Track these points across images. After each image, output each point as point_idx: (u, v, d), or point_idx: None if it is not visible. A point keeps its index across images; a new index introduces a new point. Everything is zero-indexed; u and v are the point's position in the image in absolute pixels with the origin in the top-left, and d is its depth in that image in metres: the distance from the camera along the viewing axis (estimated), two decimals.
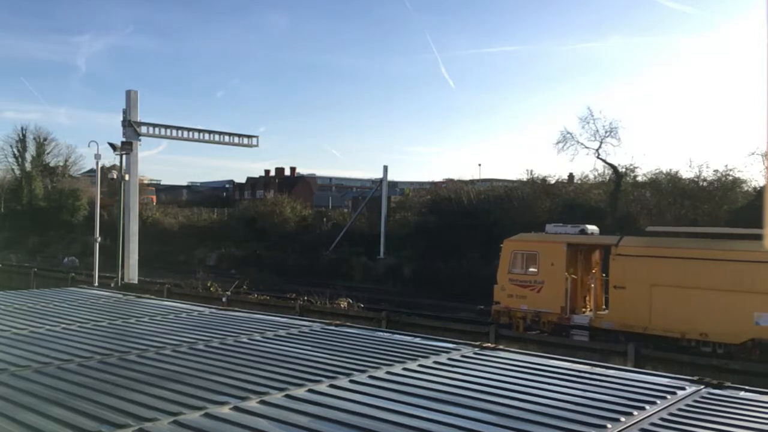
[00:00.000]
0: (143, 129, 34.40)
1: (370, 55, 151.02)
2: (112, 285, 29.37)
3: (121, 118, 34.06)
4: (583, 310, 21.06)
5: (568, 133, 39.91)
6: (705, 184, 34.82)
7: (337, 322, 7.32)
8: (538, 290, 20.85)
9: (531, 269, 21.21)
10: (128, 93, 34.17)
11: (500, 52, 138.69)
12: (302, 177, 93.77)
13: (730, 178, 34.18)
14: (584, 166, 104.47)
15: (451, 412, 3.81)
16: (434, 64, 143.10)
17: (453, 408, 3.91)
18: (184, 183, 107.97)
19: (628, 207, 35.45)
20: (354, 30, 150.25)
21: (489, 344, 6.20)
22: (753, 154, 33.24)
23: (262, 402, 3.96)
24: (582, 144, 39.33)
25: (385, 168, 45.50)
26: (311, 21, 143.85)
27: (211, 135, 37.87)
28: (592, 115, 39.04)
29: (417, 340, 6.39)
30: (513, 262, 21.66)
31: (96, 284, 28.38)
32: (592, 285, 21.23)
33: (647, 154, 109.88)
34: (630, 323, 18.92)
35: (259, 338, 6.22)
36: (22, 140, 70.64)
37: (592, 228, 21.99)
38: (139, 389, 4.14)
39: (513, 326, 20.89)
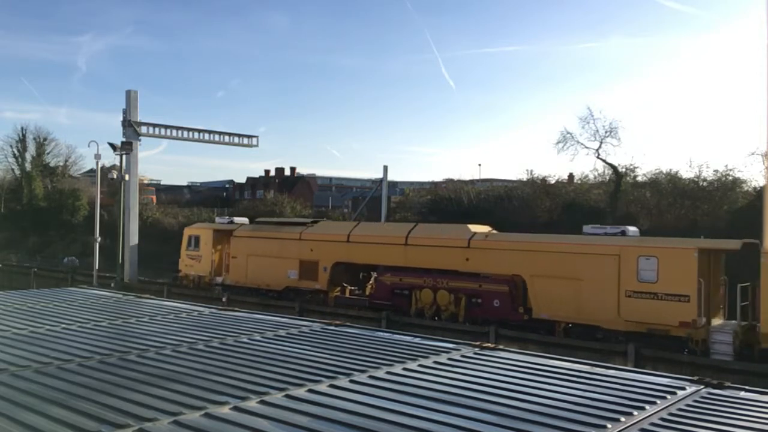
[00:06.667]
0: (143, 129, 34.44)
1: (370, 54, 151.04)
2: (112, 285, 29.43)
3: (121, 118, 34.13)
4: (226, 274, 29.79)
5: (568, 133, 39.83)
6: (705, 184, 34.69)
7: (337, 322, 7.32)
8: (199, 261, 30.57)
9: (196, 247, 30.73)
10: (128, 93, 34.21)
11: (500, 52, 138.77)
12: (302, 177, 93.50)
13: (730, 178, 34.06)
14: (584, 166, 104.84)
15: (451, 412, 3.81)
16: (434, 64, 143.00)
17: (453, 408, 3.91)
18: (184, 183, 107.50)
19: (628, 207, 35.33)
20: (354, 30, 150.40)
21: (489, 344, 6.20)
22: (753, 154, 33.09)
23: (262, 402, 3.96)
24: (582, 144, 39.24)
25: (385, 168, 45.47)
26: (311, 21, 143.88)
27: (211, 135, 37.93)
28: (592, 115, 38.95)
29: (417, 340, 6.40)
30: (188, 243, 31.19)
31: (96, 284, 28.41)
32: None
33: (647, 154, 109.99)
34: (238, 280, 28.75)
35: (259, 338, 6.22)
36: (22, 140, 70.42)
37: (240, 220, 31.99)
38: (139, 389, 4.14)
39: (189, 285, 30.64)
